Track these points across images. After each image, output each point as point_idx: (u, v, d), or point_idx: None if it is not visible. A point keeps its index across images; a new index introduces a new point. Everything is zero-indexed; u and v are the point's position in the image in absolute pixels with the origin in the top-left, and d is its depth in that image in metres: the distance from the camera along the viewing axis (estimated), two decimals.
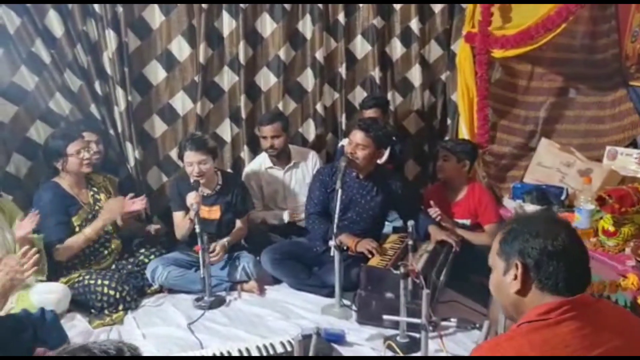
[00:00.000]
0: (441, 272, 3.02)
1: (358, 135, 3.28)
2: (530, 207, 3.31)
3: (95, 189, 3.33)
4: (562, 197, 3.42)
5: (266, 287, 3.41)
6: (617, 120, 3.86)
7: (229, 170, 4.10)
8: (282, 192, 3.99)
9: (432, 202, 3.41)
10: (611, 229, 2.70)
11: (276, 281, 3.47)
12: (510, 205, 3.51)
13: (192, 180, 3.30)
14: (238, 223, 3.52)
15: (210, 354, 2.54)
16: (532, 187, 3.52)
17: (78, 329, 2.88)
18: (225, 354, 2.56)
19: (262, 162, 3.98)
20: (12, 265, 2.16)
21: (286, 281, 3.42)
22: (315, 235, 3.39)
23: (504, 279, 1.42)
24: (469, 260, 3.20)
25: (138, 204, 3.30)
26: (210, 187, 3.43)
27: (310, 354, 2.01)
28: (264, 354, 2.58)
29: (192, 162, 3.28)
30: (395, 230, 3.67)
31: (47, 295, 2.85)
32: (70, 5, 3.59)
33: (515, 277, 1.38)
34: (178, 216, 3.43)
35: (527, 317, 1.35)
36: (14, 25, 3.41)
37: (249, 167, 4.02)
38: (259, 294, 3.32)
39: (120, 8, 3.67)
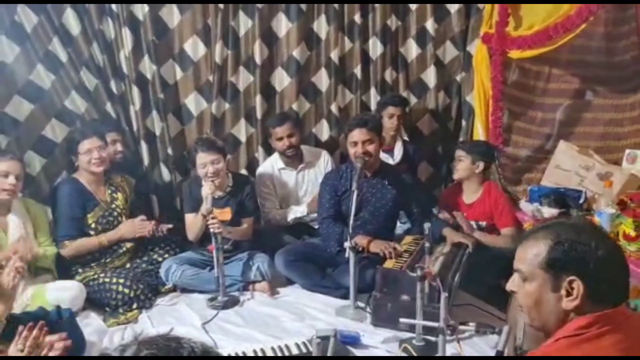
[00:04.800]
0: (456, 274, 2.99)
1: (362, 133, 3.27)
2: (548, 211, 3.27)
3: (113, 188, 3.35)
4: (581, 201, 3.38)
5: (280, 288, 3.40)
6: (637, 123, 3.81)
7: (243, 170, 4.11)
8: (295, 193, 3.97)
9: (455, 211, 3.44)
10: (632, 233, 2.66)
11: (290, 282, 3.46)
12: (528, 208, 3.48)
13: (204, 182, 3.29)
14: (243, 223, 3.51)
15: (226, 355, 2.52)
16: (549, 190, 3.48)
17: (92, 327, 2.88)
18: (241, 355, 2.55)
19: (273, 163, 3.97)
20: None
21: (300, 283, 3.41)
22: (330, 238, 3.38)
23: (551, 294, 1.31)
24: (485, 263, 3.17)
25: (147, 229, 3.30)
26: (222, 189, 3.43)
27: (329, 355, 1.99)
28: (279, 354, 2.57)
29: (205, 162, 3.28)
30: (409, 232, 3.64)
31: (62, 292, 2.86)
32: (87, 4, 3.60)
33: (569, 294, 1.29)
34: (190, 217, 3.43)
35: (564, 330, 1.29)
36: (32, 23, 3.43)
37: (261, 169, 4.00)
38: (269, 294, 3.31)
39: (144, 9, 3.69)
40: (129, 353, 0.97)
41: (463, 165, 3.50)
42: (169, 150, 3.96)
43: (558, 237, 1.31)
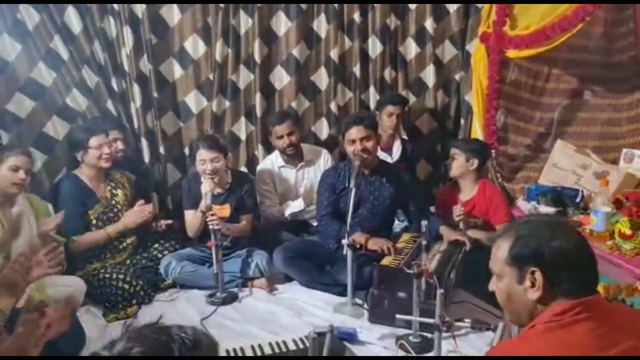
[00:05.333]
0: (455, 273, 3.01)
1: (360, 131, 3.29)
2: (545, 209, 3.30)
3: (112, 184, 3.37)
4: (577, 200, 3.41)
5: (278, 285, 3.42)
6: (634, 123, 3.84)
7: (243, 168, 4.13)
8: (295, 191, 3.99)
9: (458, 203, 3.44)
10: (628, 232, 2.68)
11: (288, 279, 3.48)
12: (525, 206, 3.50)
13: (203, 179, 3.32)
14: (242, 220, 3.53)
15: (223, 350, 2.55)
16: (547, 189, 3.50)
17: (92, 323, 2.92)
18: (239, 351, 2.58)
19: (273, 161, 3.99)
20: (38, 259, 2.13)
21: (298, 279, 3.43)
22: (328, 235, 3.40)
23: (518, 287, 1.38)
24: (482, 261, 3.18)
25: (145, 213, 3.29)
26: (221, 186, 3.45)
27: (325, 351, 2.02)
28: (277, 351, 2.60)
29: (205, 159, 3.30)
30: (406, 230, 3.66)
31: (63, 287, 2.87)
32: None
33: (533, 285, 1.35)
34: (189, 214, 3.45)
35: (541, 318, 1.34)
36: (34, 21, 3.45)
37: (262, 166, 4.03)
38: (268, 291, 3.34)
39: (141, 6, 3.71)
40: (118, 349, 0.97)
41: (457, 163, 3.51)
42: (161, 150, 3.97)
43: (517, 233, 1.40)
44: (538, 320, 1.34)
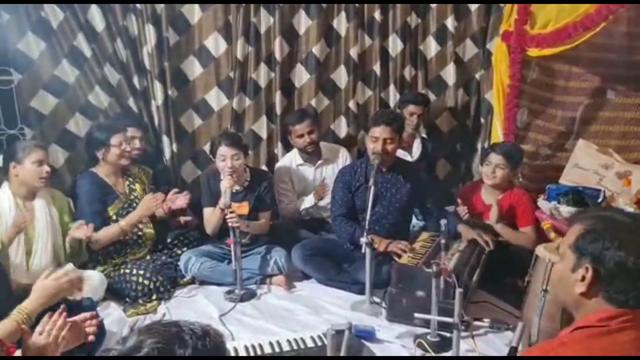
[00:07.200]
0: (473, 272, 2.99)
1: (386, 131, 3.27)
2: (566, 209, 3.26)
3: (130, 179, 3.41)
4: (599, 200, 3.36)
5: (296, 282, 3.43)
6: None
7: (263, 166, 4.14)
8: (313, 189, 3.99)
9: (459, 201, 3.44)
10: None
11: (306, 276, 3.49)
12: (545, 206, 3.46)
13: (223, 177, 3.34)
14: (261, 217, 3.54)
15: (242, 346, 2.57)
16: (568, 189, 3.45)
17: (112, 317, 2.94)
18: (257, 347, 2.59)
19: (292, 159, 4.00)
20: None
21: (316, 277, 3.44)
22: (343, 237, 3.40)
23: (570, 274, 1.36)
24: (503, 262, 3.17)
25: (182, 199, 3.39)
26: (240, 183, 3.46)
27: (343, 348, 2.02)
28: (295, 348, 2.60)
29: (226, 156, 3.32)
30: (425, 228, 3.65)
31: (84, 282, 2.91)
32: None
33: (583, 279, 1.32)
34: (208, 211, 3.47)
35: (584, 321, 1.31)
36: (57, 19, 3.51)
37: (280, 164, 4.05)
38: (286, 288, 3.35)
39: (162, 5, 3.75)
40: (130, 343, 0.98)
41: (503, 173, 3.41)
42: (180, 147, 4.01)
43: (589, 226, 1.36)
44: (580, 322, 1.32)
